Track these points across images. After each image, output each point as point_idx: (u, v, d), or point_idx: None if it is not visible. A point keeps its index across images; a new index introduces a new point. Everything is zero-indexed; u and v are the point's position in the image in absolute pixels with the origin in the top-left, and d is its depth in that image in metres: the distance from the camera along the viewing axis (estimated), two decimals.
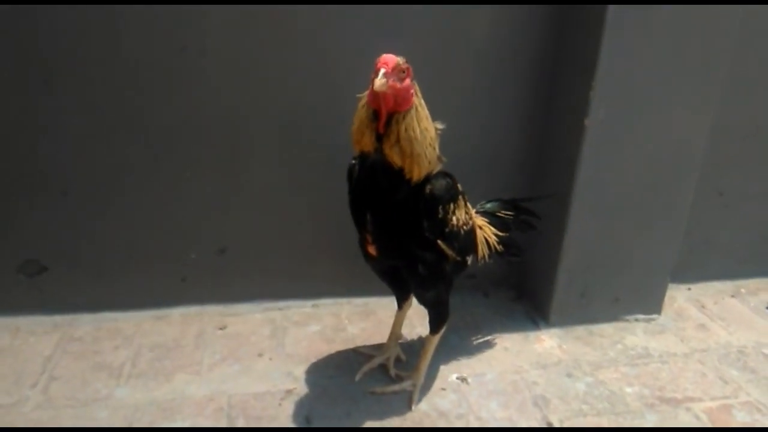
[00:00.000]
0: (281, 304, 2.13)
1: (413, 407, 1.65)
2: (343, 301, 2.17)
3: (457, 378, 1.80)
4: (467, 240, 1.52)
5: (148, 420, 1.56)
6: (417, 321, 2.07)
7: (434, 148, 1.35)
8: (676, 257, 2.12)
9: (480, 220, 1.77)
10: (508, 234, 1.83)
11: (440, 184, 1.37)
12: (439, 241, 1.43)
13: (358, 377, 1.76)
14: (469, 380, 1.79)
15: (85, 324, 1.97)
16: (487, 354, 1.94)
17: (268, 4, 1.75)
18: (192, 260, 2.02)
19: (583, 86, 1.83)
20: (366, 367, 1.78)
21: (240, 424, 1.56)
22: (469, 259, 1.62)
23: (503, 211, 1.84)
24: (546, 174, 2.08)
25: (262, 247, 2.05)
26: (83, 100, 1.77)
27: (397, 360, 1.85)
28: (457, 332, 2.05)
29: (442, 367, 1.84)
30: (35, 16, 1.65)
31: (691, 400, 1.76)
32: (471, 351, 1.95)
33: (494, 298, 2.31)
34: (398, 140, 1.28)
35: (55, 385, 1.69)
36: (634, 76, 1.81)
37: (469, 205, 1.61)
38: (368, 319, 2.10)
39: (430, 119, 1.33)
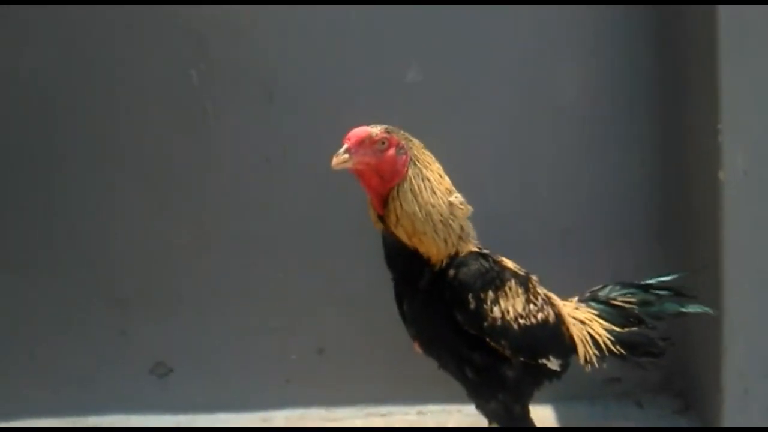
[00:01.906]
0: (384, 409, 1.95)
1: None
2: (453, 408, 1.90)
3: None
4: (532, 337, 1.21)
5: None
6: None
7: (450, 226, 1.13)
8: None
9: (584, 313, 1.41)
10: (634, 329, 1.41)
11: (468, 267, 1.14)
12: (487, 339, 1.16)
13: None
14: None
15: (201, 424, 2.03)
16: None
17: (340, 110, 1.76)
18: (293, 361, 2.00)
19: (709, 129, 1.42)
20: None
21: None
22: (552, 363, 1.28)
23: (622, 299, 1.44)
24: (689, 246, 1.63)
25: (360, 347, 1.95)
26: (189, 216, 1.94)
27: None
28: None
29: None
30: (142, 143, 1.89)
31: None
32: None
33: (651, 409, 1.81)
34: (398, 219, 1.10)
35: None
36: None
37: (542, 291, 1.30)
38: None
39: (440, 191, 1.13)
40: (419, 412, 1.92)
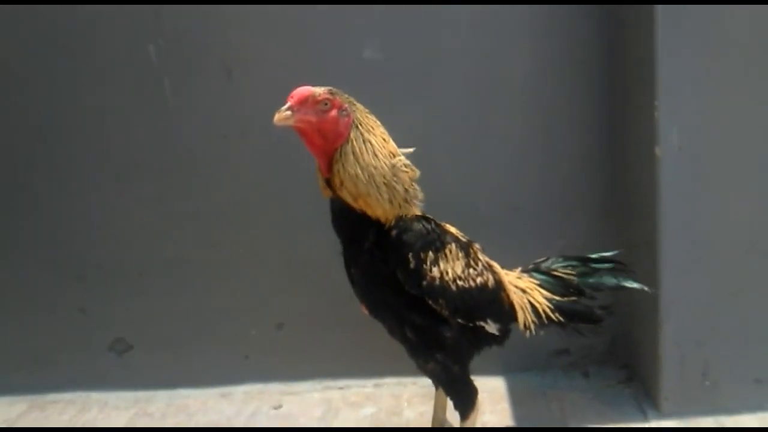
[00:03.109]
0: (341, 383, 1.99)
1: None
2: (408, 380, 1.95)
3: None
4: (470, 299, 1.26)
5: None
6: (486, 406, 1.76)
7: (394, 187, 1.18)
8: None
9: (526, 282, 1.47)
10: (572, 299, 1.47)
11: (409, 228, 1.18)
12: (427, 299, 1.20)
13: None
14: None
15: (161, 400, 2.04)
16: None
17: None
18: (253, 337, 2.02)
19: (647, 106, 1.49)
20: None
21: None
22: (490, 327, 1.33)
23: (563, 270, 1.50)
24: (632, 221, 1.69)
25: (318, 323, 1.98)
26: (149, 195, 1.95)
27: None
28: (533, 421, 1.69)
29: None
30: (101, 119, 1.91)
31: None
32: None
33: (597, 380, 1.89)
34: (341, 181, 1.15)
35: None
36: (713, 80, 1.42)
37: (483, 258, 1.36)
38: (431, 402, 1.83)
39: (383, 154, 1.18)
40: (376, 385, 1.97)
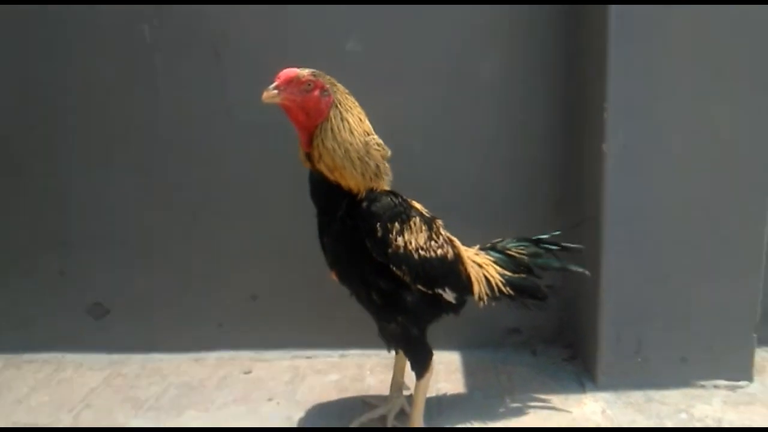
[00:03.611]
0: (309, 352, 2.12)
1: None
2: (371, 352, 2.10)
3: None
4: (430, 268, 1.40)
5: None
6: (441, 376, 1.92)
7: (367, 163, 1.31)
8: (757, 308, 1.72)
9: (482, 258, 1.63)
10: (522, 275, 1.64)
11: (378, 201, 1.32)
12: (391, 266, 1.35)
13: (353, 425, 1.65)
14: None
15: (134, 363, 2.14)
16: (509, 416, 1.71)
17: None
18: (227, 306, 2.13)
19: (598, 107, 1.66)
20: (364, 417, 1.67)
21: None
22: (448, 295, 1.48)
23: (516, 250, 1.67)
24: (580, 210, 1.87)
25: (290, 296, 2.10)
26: (132, 164, 2.05)
27: (402, 413, 1.71)
28: (483, 390, 1.85)
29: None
30: (93, 94, 2.00)
31: None
32: (491, 412, 1.73)
33: (543, 357, 2.06)
34: (320, 155, 1.28)
35: (86, 412, 1.85)
36: (658, 85, 1.60)
37: (445, 233, 1.51)
38: (391, 371, 1.98)
39: (358, 132, 1.31)
40: (341, 355, 2.10)
